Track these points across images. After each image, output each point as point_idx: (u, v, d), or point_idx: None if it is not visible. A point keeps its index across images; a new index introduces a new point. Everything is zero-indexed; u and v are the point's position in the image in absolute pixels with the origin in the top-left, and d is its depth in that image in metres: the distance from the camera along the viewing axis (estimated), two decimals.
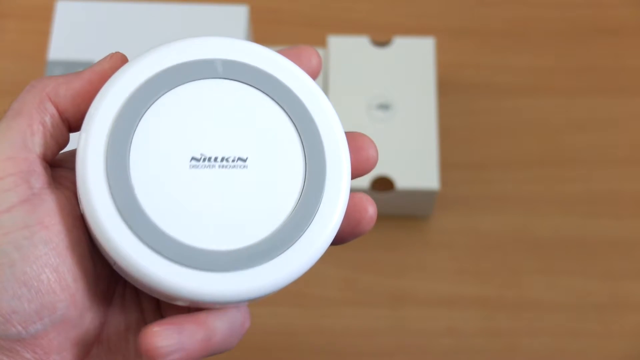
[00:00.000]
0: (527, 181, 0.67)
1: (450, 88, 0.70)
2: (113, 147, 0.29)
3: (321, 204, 0.30)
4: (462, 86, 0.70)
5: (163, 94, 0.31)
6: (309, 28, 0.73)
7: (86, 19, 0.64)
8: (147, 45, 0.32)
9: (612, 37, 0.72)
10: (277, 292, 0.30)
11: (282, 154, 0.31)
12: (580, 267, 0.65)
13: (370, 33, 0.67)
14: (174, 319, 0.29)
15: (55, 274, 0.29)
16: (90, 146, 0.29)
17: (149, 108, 0.30)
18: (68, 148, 0.32)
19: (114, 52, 0.32)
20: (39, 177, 0.30)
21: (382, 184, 0.62)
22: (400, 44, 0.66)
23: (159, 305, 0.33)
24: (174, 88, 0.31)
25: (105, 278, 0.32)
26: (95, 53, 0.62)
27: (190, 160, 0.30)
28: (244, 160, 0.30)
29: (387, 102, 0.64)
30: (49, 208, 0.29)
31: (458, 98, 0.70)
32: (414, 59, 0.65)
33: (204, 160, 0.30)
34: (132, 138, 0.30)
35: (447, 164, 0.66)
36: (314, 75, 0.33)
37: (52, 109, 0.31)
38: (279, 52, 0.33)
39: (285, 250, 0.30)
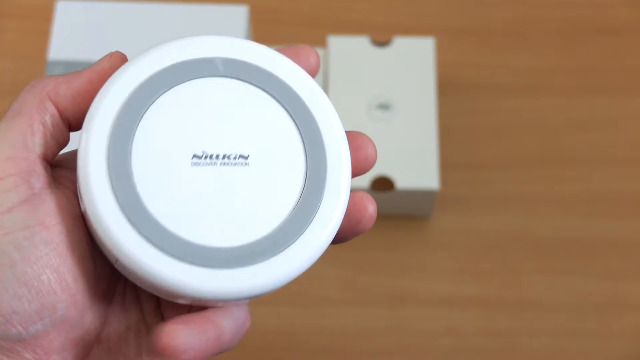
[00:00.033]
0: (527, 181, 0.67)
1: (450, 88, 0.70)
2: (114, 145, 0.29)
3: (322, 202, 0.31)
4: (462, 86, 0.70)
5: (164, 92, 0.31)
6: (309, 28, 0.73)
7: (86, 19, 0.64)
8: (147, 45, 0.32)
9: (612, 37, 0.72)
10: (278, 290, 0.30)
11: (283, 151, 0.31)
12: (580, 267, 0.65)
13: (370, 33, 0.67)
14: (185, 317, 0.29)
15: (56, 275, 0.29)
16: (91, 144, 0.29)
17: (150, 106, 0.30)
18: (68, 148, 0.32)
19: (113, 51, 0.32)
20: (39, 177, 0.30)
21: (382, 184, 0.62)
22: (400, 44, 0.66)
23: (159, 305, 0.33)
24: (175, 86, 0.31)
25: (106, 278, 0.32)
26: (95, 53, 0.61)
27: (192, 158, 0.30)
28: (246, 158, 0.31)
29: (387, 102, 0.64)
30: (49, 208, 0.29)
31: (458, 98, 0.70)
32: (414, 59, 0.65)
33: (206, 157, 0.30)
34: (133, 136, 0.30)
35: (447, 164, 0.66)
36: (312, 74, 0.33)
37: (52, 109, 0.31)
38: (278, 51, 0.33)
39: (287, 248, 0.30)
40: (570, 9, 0.73)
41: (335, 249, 0.34)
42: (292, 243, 0.30)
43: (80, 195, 0.29)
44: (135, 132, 0.30)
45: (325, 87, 0.65)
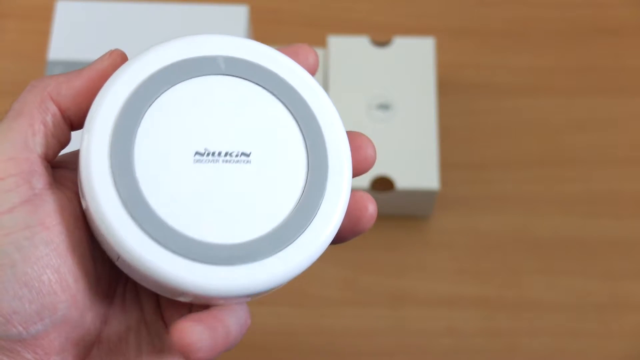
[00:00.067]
0: (527, 181, 0.67)
1: (450, 88, 0.70)
2: (117, 143, 0.29)
3: (323, 201, 0.31)
4: (462, 86, 0.70)
5: (166, 90, 0.31)
6: (309, 28, 0.73)
7: (86, 19, 0.64)
8: (147, 45, 0.32)
9: (612, 37, 0.72)
10: (279, 288, 0.30)
11: (284, 149, 0.31)
12: (580, 267, 0.65)
13: (370, 33, 0.67)
14: (196, 315, 0.29)
15: (56, 275, 0.29)
16: (94, 142, 0.29)
17: (152, 104, 0.30)
18: (69, 148, 0.32)
19: (113, 49, 0.32)
20: (40, 177, 0.30)
21: (382, 184, 0.62)
22: (400, 44, 0.66)
23: (159, 306, 0.33)
24: (176, 84, 0.31)
25: (106, 278, 0.32)
26: (95, 53, 0.61)
27: (194, 155, 0.30)
28: (248, 155, 0.31)
29: (387, 102, 0.64)
30: (50, 209, 0.29)
31: (458, 98, 0.70)
32: (414, 59, 0.65)
33: (208, 155, 0.30)
34: (135, 133, 0.30)
35: (447, 164, 0.66)
36: (311, 73, 0.33)
37: (53, 108, 0.31)
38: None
39: (288, 245, 0.30)
40: (570, 9, 0.73)
41: (335, 249, 0.34)
42: (293, 241, 0.30)
43: (82, 193, 0.29)
44: (137, 130, 0.30)
45: (325, 87, 0.65)
